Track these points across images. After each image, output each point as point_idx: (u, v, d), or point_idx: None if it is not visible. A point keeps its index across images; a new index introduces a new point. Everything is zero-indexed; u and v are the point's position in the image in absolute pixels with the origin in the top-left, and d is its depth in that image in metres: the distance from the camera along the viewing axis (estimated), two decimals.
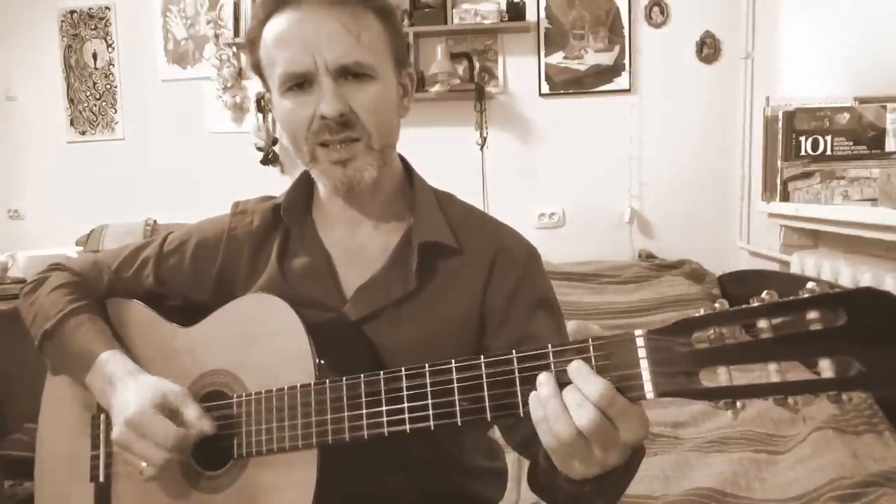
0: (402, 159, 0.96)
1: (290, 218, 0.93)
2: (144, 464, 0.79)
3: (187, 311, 0.95)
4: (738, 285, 2.77)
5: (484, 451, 0.98)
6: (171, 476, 0.85)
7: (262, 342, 0.82)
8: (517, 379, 0.65)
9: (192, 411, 0.81)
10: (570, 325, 0.64)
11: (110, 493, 0.90)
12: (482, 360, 0.67)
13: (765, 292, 0.55)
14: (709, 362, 0.57)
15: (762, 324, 0.55)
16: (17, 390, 1.71)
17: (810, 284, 0.54)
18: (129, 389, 0.83)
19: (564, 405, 0.61)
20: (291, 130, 0.84)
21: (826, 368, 0.53)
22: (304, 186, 0.96)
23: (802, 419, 1.63)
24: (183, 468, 0.85)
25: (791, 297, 0.54)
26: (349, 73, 0.81)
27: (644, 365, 0.59)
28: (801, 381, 0.54)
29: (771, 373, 0.55)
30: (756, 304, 0.55)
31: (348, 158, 0.82)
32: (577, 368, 0.61)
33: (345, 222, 0.92)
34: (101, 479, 0.91)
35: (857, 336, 0.52)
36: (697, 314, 0.58)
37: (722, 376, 0.57)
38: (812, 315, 0.53)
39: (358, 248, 0.92)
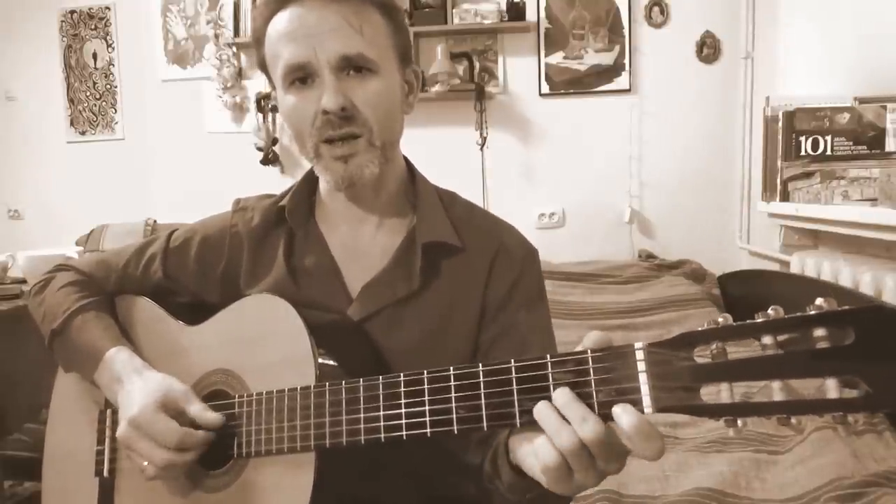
0: (405, 158, 0.96)
1: (295, 220, 0.94)
2: (146, 462, 0.80)
3: (195, 308, 0.95)
4: (738, 285, 2.77)
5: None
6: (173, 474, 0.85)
7: (265, 343, 0.82)
8: (514, 389, 0.64)
9: (195, 407, 0.81)
10: (600, 336, 0.62)
11: (114, 488, 0.91)
12: (480, 367, 0.66)
13: (770, 308, 0.53)
14: (710, 378, 0.56)
15: (767, 340, 0.53)
16: (18, 391, 1.71)
17: (818, 301, 0.52)
18: (136, 387, 0.83)
19: (565, 418, 0.60)
20: (295, 126, 0.85)
21: (832, 388, 0.52)
22: (308, 187, 0.96)
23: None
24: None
25: (797, 314, 0.52)
26: (351, 67, 0.81)
27: (643, 379, 0.58)
28: (805, 401, 0.52)
29: (775, 390, 0.53)
30: (761, 320, 0.53)
31: (350, 154, 0.83)
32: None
33: (348, 221, 0.92)
34: (106, 474, 0.92)
35: (865, 356, 0.50)
36: (700, 328, 0.56)
37: (724, 393, 0.55)
38: (819, 332, 0.51)
39: (362, 247, 0.92)
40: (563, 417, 0.60)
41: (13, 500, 2.01)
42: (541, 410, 0.62)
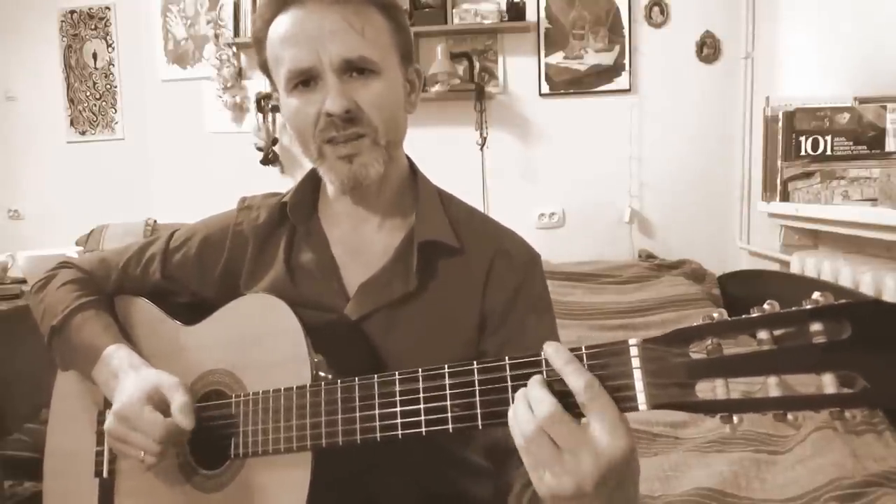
0: (408, 158, 0.96)
1: (297, 216, 0.94)
2: (143, 453, 0.80)
3: (193, 308, 0.95)
4: (738, 285, 2.76)
5: (483, 450, 0.98)
6: (171, 473, 0.85)
7: (261, 343, 0.82)
8: (509, 387, 0.63)
9: (177, 402, 0.80)
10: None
11: (114, 489, 0.91)
12: (475, 366, 0.66)
13: (766, 302, 0.53)
14: (706, 374, 0.55)
15: (762, 335, 0.53)
16: (18, 391, 1.71)
17: (815, 295, 0.51)
18: (130, 381, 0.84)
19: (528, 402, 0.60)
20: (298, 129, 0.85)
21: (829, 383, 0.51)
22: (311, 185, 0.96)
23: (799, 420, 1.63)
24: (182, 466, 0.85)
25: (793, 308, 0.52)
26: (354, 69, 0.81)
27: (637, 375, 0.58)
28: (802, 397, 0.52)
29: (771, 386, 0.53)
30: (756, 315, 0.53)
31: (354, 154, 0.83)
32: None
33: (350, 220, 0.93)
34: (105, 474, 0.92)
35: (862, 350, 0.49)
36: (695, 324, 0.56)
37: (719, 389, 0.55)
38: (815, 327, 0.51)
39: (362, 246, 0.92)
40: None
41: (13, 500, 2.01)
42: (517, 394, 0.62)
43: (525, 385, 0.62)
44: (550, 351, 0.61)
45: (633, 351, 0.58)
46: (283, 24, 0.82)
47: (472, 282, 0.89)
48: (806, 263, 2.23)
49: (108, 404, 0.92)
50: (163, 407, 0.81)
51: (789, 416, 0.52)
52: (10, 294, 1.90)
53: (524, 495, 0.81)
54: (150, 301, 0.98)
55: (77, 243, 3.06)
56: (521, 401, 0.61)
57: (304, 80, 0.82)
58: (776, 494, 1.40)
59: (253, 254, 0.95)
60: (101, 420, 0.94)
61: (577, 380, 0.58)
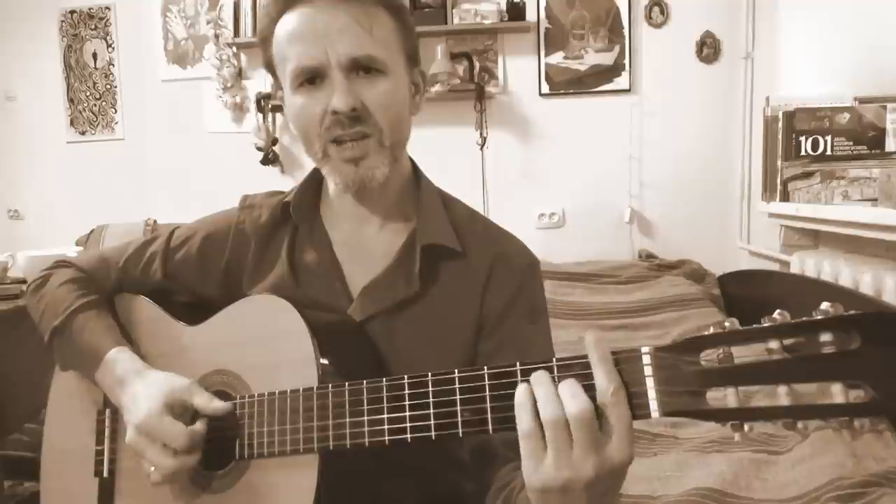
0: (411, 160, 0.96)
1: (300, 216, 0.94)
2: (153, 468, 0.79)
3: (195, 307, 0.95)
4: (738, 285, 2.77)
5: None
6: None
7: (267, 344, 0.82)
8: None
9: (200, 399, 0.81)
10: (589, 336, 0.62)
11: (114, 489, 0.91)
12: (485, 370, 0.66)
13: (776, 312, 0.53)
14: (717, 382, 0.56)
15: (773, 344, 0.54)
16: (17, 390, 1.71)
17: (824, 305, 0.52)
18: (139, 389, 0.83)
19: (557, 393, 0.60)
20: (303, 127, 0.84)
21: (837, 393, 0.52)
22: (314, 184, 0.96)
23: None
24: None
25: (803, 318, 0.53)
26: (361, 68, 0.81)
27: (650, 383, 0.58)
28: (811, 406, 0.53)
29: (780, 395, 0.54)
30: (767, 325, 0.54)
31: (361, 157, 0.82)
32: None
33: (352, 220, 0.92)
34: (105, 474, 0.92)
35: (871, 360, 0.50)
36: (706, 333, 0.56)
37: (730, 397, 0.56)
38: (825, 337, 0.52)
39: (364, 246, 0.92)
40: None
41: (13, 500, 2.01)
42: (537, 375, 0.62)
43: None
44: (592, 340, 0.61)
45: (646, 359, 0.59)
46: (290, 21, 0.82)
47: (472, 285, 0.89)
48: (806, 263, 2.23)
49: (108, 404, 0.92)
50: (180, 412, 0.80)
51: (799, 425, 0.53)
52: (10, 294, 1.89)
53: (497, 498, 0.81)
54: (151, 300, 0.98)
55: (77, 243, 3.06)
56: (542, 385, 0.61)
57: (311, 78, 0.82)
58: (776, 494, 1.41)
59: (255, 253, 0.95)
60: (100, 419, 0.94)
61: (606, 380, 0.59)
